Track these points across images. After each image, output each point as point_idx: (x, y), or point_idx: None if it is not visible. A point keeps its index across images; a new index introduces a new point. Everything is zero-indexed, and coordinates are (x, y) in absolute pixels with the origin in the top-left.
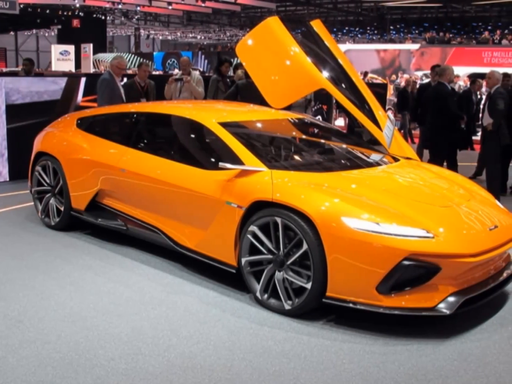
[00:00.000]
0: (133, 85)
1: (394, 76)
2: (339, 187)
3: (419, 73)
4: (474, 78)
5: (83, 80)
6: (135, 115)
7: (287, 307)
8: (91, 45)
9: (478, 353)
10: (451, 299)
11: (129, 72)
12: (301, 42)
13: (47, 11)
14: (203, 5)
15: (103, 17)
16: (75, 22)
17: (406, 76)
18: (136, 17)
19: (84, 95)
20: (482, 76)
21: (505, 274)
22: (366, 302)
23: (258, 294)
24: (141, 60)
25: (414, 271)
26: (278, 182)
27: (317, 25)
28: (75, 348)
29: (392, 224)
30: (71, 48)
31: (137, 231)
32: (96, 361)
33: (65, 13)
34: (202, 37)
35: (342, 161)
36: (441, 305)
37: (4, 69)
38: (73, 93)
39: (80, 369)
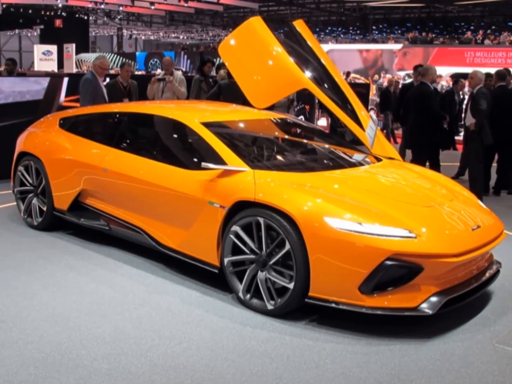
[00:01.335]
0: (115, 85)
1: (376, 76)
2: (321, 187)
3: (402, 73)
4: (456, 78)
5: (65, 80)
6: (117, 115)
7: (269, 307)
8: (74, 45)
9: (461, 353)
10: (434, 299)
11: (112, 72)
12: (284, 42)
13: (30, 11)
14: (185, 5)
15: (85, 17)
16: (58, 22)
17: (388, 76)
18: (118, 17)
19: (67, 95)
20: (464, 76)
21: (487, 274)
22: (349, 302)
23: (240, 294)
24: (124, 60)
25: (396, 271)
26: (260, 182)
27: (299, 25)
28: (58, 348)
29: (374, 224)
30: (53, 48)
31: (120, 231)
32: (78, 361)
33: (47, 13)
34: (185, 37)
35: (325, 161)
36: (424, 305)
37: None
38: (56, 93)
39: (63, 369)
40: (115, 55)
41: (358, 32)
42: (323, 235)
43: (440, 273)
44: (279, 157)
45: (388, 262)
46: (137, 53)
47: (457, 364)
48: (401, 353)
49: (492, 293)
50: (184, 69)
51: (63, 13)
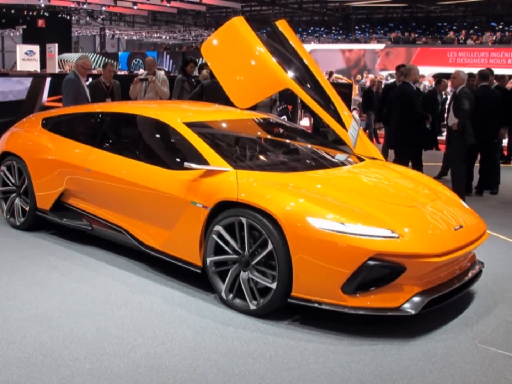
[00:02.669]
0: (98, 85)
1: (359, 76)
2: (304, 187)
3: (384, 73)
4: (439, 78)
5: (48, 80)
6: (100, 115)
7: (252, 307)
8: (56, 45)
9: (443, 353)
10: (416, 299)
11: (94, 72)
12: (266, 42)
13: (12, 11)
14: (168, 5)
15: (68, 17)
16: (40, 22)
17: (371, 76)
18: (101, 17)
19: (49, 95)
20: (447, 76)
21: (470, 274)
22: (331, 302)
23: (223, 294)
24: (106, 60)
25: (379, 271)
26: (243, 182)
27: (282, 25)
28: (40, 348)
29: (357, 224)
30: (36, 48)
31: (102, 231)
32: (61, 361)
33: (30, 13)
34: (167, 37)
35: (308, 161)
36: (406, 305)
37: None
38: (38, 93)
39: (45, 369)
40: (98, 55)
41: (340, 32)
42: (306, 235)
43: (423, 273)
44: (261, 157)
45: (371, 262)
46: (119, 53)
47: (440, 364)
48: (383, 353)
49: (475, 293)
50: (166, 69)
51: (45, 13)
